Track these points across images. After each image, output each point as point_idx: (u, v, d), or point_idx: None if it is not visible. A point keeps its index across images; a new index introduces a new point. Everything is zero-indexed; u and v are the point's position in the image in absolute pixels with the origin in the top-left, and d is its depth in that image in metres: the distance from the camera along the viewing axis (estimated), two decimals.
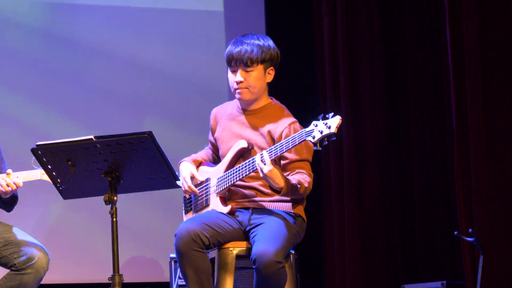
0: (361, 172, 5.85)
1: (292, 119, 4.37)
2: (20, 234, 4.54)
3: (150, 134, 3.63)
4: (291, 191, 4.15)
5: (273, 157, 4.10)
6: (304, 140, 4.01)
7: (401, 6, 5.85)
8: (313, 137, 3.97)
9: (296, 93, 6.21)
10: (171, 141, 5.95)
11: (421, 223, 5.79)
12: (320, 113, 4.01)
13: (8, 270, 4.49)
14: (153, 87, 6.31)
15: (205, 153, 4.62)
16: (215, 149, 4.56)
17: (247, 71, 4.36)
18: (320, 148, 3.97)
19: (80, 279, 6.14)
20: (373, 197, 5.85)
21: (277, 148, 4.10)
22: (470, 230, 4.77)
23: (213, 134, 4.55)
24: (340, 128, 3.95)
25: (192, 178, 4.44)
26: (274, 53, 4.39)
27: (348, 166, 5.82)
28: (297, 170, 4.27)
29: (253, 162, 4.16)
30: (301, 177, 4.23)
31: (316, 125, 3.98)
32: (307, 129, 4.01)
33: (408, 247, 5.84)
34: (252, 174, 4.25)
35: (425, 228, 5.78)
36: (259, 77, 4.37)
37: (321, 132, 3.95)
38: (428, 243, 5.77)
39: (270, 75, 4.40)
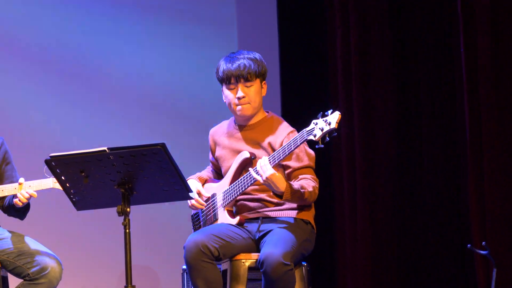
0: (373, 185, 5.85)
1: (291, 128, 4.36)
2: (33, 244, 4.54)
3: (163, 145, 3.64)
4: (294, 195, 4.13)
5: (277, 162, 4.09)
6: (306, 139, 4.00)
7: (413, 20, 5.86)
8: (314, 136, 3.97)
9: (309, 107, 6.20)
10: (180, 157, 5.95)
11: (433, 235, 5.77)
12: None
13: (22, 280, 4.51)
14: (161, 103, 6.30)
15: (207, 172, 4.62)
16: (217, 169, 4.55)
17: (247, 86, 4.35)
18: (322, 145, 3.97)
19: None
20: (386, 210, 5.84)
21: (279, 153, 4.09)
22: (483, 243, 4.75)
23: (213, 154, 4.54)
24: (340, 123, 3.95)
25: (199, 194, 4.44)
26: (265, 66, 4.40)
27: (361, 179, 5.82)
28: (300, 177, 4.27)
29: (255, 170, 4.14)
30: (305, 182, 4.23)
31: (316, 123, 3.98)
32: (307, 128, 4.01)
33: (420, 260, 5.82)
34: (257, 186, 4.25)
35: (437, 241, 5.76)
36: (258, 91, 4.37)
37: (322, 130, 3.96)
38: (440, 255, 5.75)
39: (263, 89, 4.41)
